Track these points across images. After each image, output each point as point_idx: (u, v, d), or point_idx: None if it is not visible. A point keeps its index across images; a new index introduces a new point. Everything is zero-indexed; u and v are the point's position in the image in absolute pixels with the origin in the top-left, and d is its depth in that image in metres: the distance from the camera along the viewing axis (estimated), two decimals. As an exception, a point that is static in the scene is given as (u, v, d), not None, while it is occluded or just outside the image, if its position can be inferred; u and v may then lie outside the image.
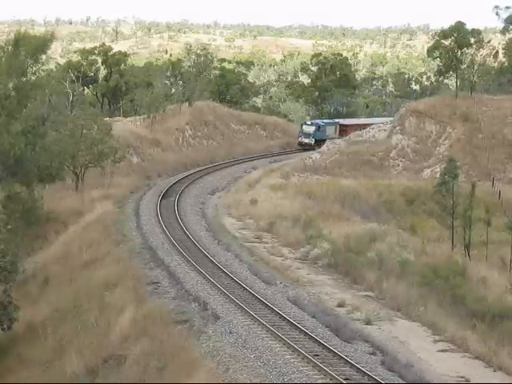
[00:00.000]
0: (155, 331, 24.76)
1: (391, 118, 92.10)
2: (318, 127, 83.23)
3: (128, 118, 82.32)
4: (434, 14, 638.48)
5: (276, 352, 23.74)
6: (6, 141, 42.66)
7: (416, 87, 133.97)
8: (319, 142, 79.63)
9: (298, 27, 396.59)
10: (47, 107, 59.58)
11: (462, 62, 72.23)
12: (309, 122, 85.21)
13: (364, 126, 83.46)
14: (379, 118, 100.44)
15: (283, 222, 43.41)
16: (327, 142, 73.37)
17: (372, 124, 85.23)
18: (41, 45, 48.08)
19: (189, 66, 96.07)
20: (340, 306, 29.68)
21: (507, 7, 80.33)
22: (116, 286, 30.23)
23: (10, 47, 47.15)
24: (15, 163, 43.42)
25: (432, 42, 75.27)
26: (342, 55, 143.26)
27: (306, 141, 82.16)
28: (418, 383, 22.12)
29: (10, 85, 46.66)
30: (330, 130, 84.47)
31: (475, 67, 72.68)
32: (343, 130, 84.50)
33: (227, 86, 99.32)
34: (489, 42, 73.16)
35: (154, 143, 71.42)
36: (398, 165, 64.86)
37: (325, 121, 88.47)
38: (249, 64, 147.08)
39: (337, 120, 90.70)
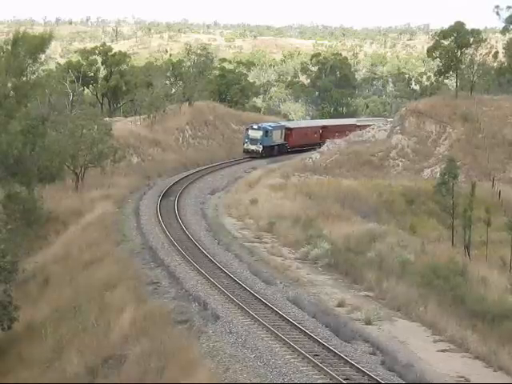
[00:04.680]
0: (155, 331, 24.75)
1: (354, 119, 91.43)
2: (266, 132, 74.62)
3: (128, 118, 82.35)
4: (434, 14, 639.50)
5: (276, 352, 23.74)
6: (4, 140, 42.61)
7: (416, 87, 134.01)
8: (267, 149, 74.39)
9: (298, 27, 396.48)
10: (47, 107, 59.53)
11: (461, 61, 72.22)
12: (255, 126, 75.15)
13: (311, 129, 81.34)
14: (336, 120, 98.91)
15: (283, 222, 43.40)
16: (327, 142, 72.96)
17: (321, 126, 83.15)
18: (39, 44, 48.07)
19: (189, 66, 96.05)
20: (340, 305, 29.69)
21: (508, 7, 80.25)
22: (116, 286, 30.22)
23: (8, 47, 47.14)
24: (15, 163, 43.39)
25: (432, 42, 75.25)
26: (341, 55, 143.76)
27: (253, 148, 73.96)
28: (418, 383, 22.12)
29: (9, 84, 46.65)
30: (277, 135, 76.92)
31: (475, 67, 72.67)
32: (288, 135, 78.33)
33: (227, 86, 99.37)
34: (485, 40, 73.03)
35: (154, 143, 71.38)
36: (398, 165, 64.83)
37: (272, 124, 79.03)
38: (250, 64, 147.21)
39: (283, 123, 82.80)
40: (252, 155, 73.94)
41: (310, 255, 37.66)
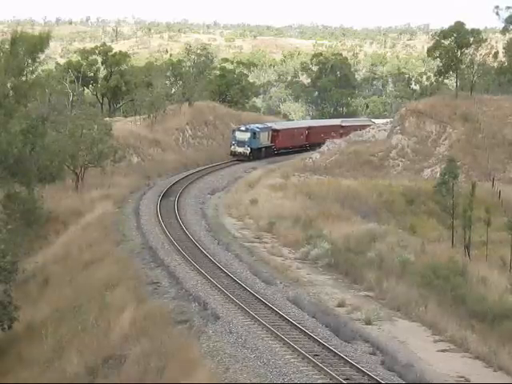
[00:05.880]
0: (155, 331, 24.75)
1: (339, 120, 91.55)
2: (254, 134, 72.30)
3: (128, 118, 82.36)
4: (434, 13, 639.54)
5: (276, 352, 23.74)
6: (3, 140, 42.60)
7: (416, 87, 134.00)
8: (255, 152, 72.41)
9: (298, 27, 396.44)
10: (47, 107, 59.54)
11: (461, 61, 72.23)
12: (243, 128, 72.93)
13: (297, 130, 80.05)
14: (321, 121, 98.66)
15: (283, 222, 43.41)
16: (327, 142, 72.89)
17: (307, 127, 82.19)
18: (38, 43, 48.08)
19: (189, 66, 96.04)
20: (340, 305, 29.69)
21: (508, 7, 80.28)
22: (116, 286, 30.22)
23: (7, 46, 47.14)
24: (15, 163, 43.37)
25: (432, 42, 75.27)
26: (341, 55, 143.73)
27: (240, 150, 71.55)
28: (418, 383, 22.12)
29: (9, 84, 46.64)
30: (264, 137, 74.55)
31: (475, 67, 72.69)
32: (274, 136, 76.29)
33: (227, 86, 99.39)
34: (485, 40, 73.08)
35: (154, 143, 71.39)
36: (398, 165, 64.85)
37: (259, 126, 76.05)
38: (250, 65, 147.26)
39: (269, 124, 78.92)
40: (239, 158, 71.89)
41: (310, 255, 37.67)
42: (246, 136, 72.04)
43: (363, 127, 78.40)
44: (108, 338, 25.35)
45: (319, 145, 73.92)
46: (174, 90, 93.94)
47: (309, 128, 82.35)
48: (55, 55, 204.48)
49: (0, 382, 26.90)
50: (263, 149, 74.57)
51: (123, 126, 72.25)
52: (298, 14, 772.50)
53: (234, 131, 73.54)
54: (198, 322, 26.18)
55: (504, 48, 79.44)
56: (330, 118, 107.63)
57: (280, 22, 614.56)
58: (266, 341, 24.71)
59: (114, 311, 27.28)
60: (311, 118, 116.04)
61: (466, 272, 32.17)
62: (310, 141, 79.72)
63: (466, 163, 60.88)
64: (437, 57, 73.96)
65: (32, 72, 49.30)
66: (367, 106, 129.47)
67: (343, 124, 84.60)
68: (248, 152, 71.81)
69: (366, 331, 26.55)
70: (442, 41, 72.53)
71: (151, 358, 22.77)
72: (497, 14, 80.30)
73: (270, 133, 76.10)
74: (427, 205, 50.87)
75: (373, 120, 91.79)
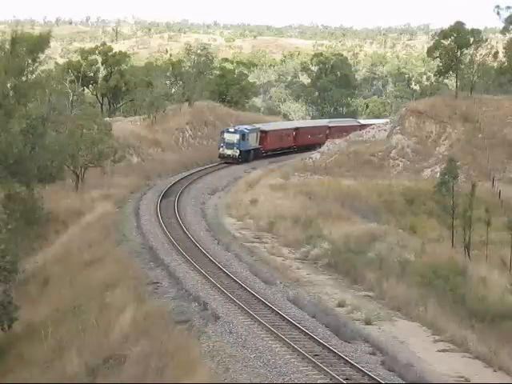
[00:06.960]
0: (155, 331, 24.73)
1: (326, 120, 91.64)
2: (243, 135, 69.74)
3: (128, 118, 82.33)
4: (434, 14, 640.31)
5: (276, 352, 23.75)
6: (4, 140, 42.58)
7: (416, 87, 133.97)
8: (244, 154, 70.36)
9: (298, 27, 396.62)
10: (47, 107, 59.54)
11: (461, 62, 72.26)
12: (232, 129, 70.27)
13: (285, 132, 78.84)
14: (308, 121, 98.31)
15: (283, 222, 43.41)
16: (327, 142, 72.85)
17: (294, 128, 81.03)
18: (38, 43, 48.05)
19: (189, 66, 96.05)
20: (340, 305, 29.69)
21: (508, 7, 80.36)
22: (116, 286, 30.18)
23: (7, 46, 47.10)
24: (15, 163, 43.35)
25: (432, 42, 75.30)
26: (342, 55, 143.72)
27: (229, 152, 69.13)
28: (418, 383, 22.12)
29: (8, 84, 46.60)
30: (253, 139, 72.27)
31: (475, 67, 72.71)
32: (263, 138, 74.29)
33: (227, 86, 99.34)
34: (486, 40, 73.12)
35: (154, 143, 71.38)
36: (398, 165, 64.85)
37: (248, 127, 73.04)
38: (251, 65, 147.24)
39: (257, 126, 75.83)
40: (228, 161, 69.64)
41: (310, 255, 37.68)
42: (235, 138, 69.62)
43: (350, 128, 78.45)
44: (108, 338, 25.32)
45: (307, 146, 74.08)
46: (173, 90, 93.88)
47: (296, 129, 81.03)
48: (55, 55, 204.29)
49: (0, 382, 26.89)
50: (252, 151, 72.76)
51: (123, 125, 72.19)
52: (298, 13, 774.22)
53: (222, 133, 70.77)
54: (198, 322, 26.18)
55: (504, 48, 79.41)
56: (330, 118, 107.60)
57: (280, 22, 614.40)
58: (265, 341, 24.72)
59: (114, 311, 27.25)
60: (311, 118, 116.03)
61: (466, 272, 32.18)
62: (297, 142, 79.08)
63: (466, 163, 60.82)
64: (437, 57, 73.97)
65: (32, 72, 49.23)
66: (367, 106, 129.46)
67: (330, 125, 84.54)
68: (237, 154, 69.65)
69: (366, 331, 26.54)
70: (442, 41, 72.56)
71: (151, 358, 22.75)
72: (497, 13, 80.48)
73: (259, 134, 74.17)
74: (427, 205, 50.83)
75: (359, 120, 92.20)
